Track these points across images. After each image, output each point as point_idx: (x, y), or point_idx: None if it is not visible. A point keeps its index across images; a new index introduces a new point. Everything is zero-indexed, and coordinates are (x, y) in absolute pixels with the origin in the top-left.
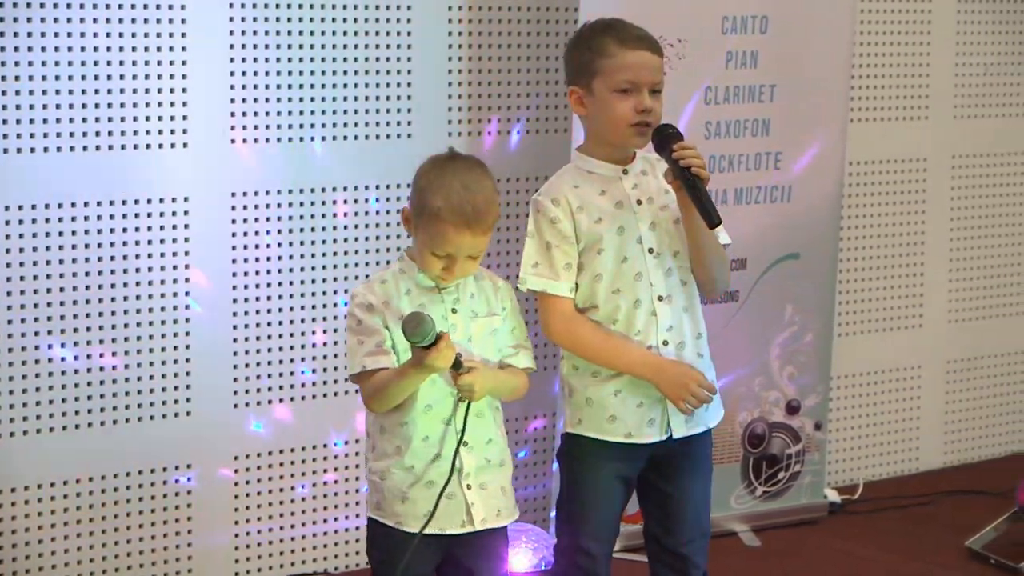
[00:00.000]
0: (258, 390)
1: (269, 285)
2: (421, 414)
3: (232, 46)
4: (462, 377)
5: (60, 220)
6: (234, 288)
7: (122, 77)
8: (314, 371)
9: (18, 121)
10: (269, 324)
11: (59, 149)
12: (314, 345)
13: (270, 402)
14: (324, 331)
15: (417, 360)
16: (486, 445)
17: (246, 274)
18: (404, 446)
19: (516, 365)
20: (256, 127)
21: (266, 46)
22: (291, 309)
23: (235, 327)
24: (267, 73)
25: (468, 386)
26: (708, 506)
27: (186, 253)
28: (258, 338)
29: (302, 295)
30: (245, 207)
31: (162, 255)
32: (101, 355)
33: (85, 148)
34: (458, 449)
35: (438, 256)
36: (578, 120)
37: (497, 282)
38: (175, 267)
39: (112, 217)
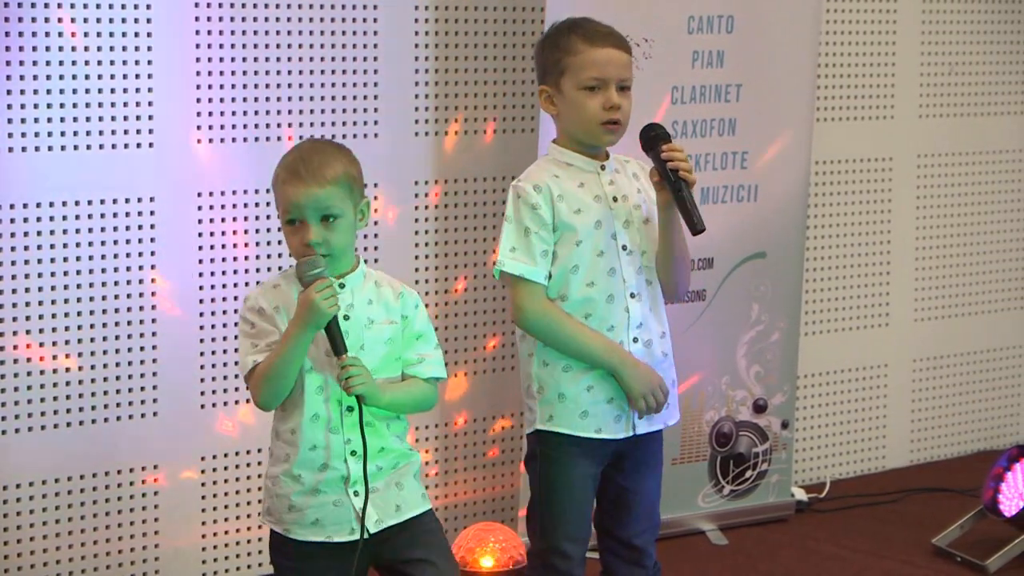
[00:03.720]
0: (225, 390)
1: (236, 285)
2: (308, 423)
3: (197, 46)
4: (345, 359)
5: (25, 220)
6: (200, 288)
7: (87, 77)
8: None
9: None
10: (236, 324)
11: (23, 149)
12: None
13: (237, 402)
14: None
15: (302, 302)
16: (377, 454)
17: (212, 274)
18: (292, 454)
19: (419, 376)
20: (222, 127)
21: (231, 45)
22: None
23: (202, 327)
24: (232, 73)
25: (354, 375)
26: (659, 500)
27: (152, 253)
28: (225, 338)
29: None
30: (211, 207)
31: (128, 255)
32: (67, 355)
33: (50, 148)
34: (365, 459)
35: (292, 226)
36: (545, 119)
37: (400, 289)
38: (141, 267)
39: (78, 217)
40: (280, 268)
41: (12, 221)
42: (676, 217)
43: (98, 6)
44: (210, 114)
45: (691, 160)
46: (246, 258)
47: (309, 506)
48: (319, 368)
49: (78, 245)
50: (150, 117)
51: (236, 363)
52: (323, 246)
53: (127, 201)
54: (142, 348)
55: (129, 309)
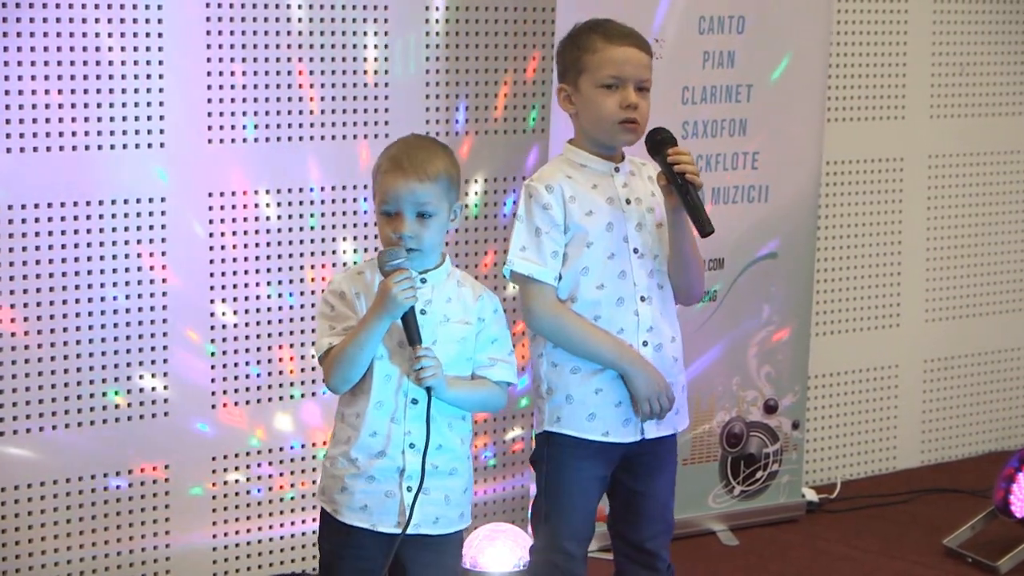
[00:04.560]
0: (236, 391)
1: (247, 286)
2: (373, 409)
3: (208, 46)
4: (419, 349)
5: (36, 220)
6: (211, 288)
7: (98, 77)
8: (292, 372)
9: None
10: (247, 325)
11: (35, 149)
12: (292, 346)
13: (248, 403)
14: (303, 331)
15: (380, 291)
16: (435, 451)
17: (223, 275)
18: (353, 437)
19: (489, 378)
20: (233, 127)
21: (243, 46)
22: (268, 310)
23: (212, 327)
24: (243, 73)
25: (427, 366)
26: (672, 502)
27: (163, 254)
28: (235, 339)
29: (279, 295)
30: (222, 207)
31: (139, 255)
32: (78, 355)
33: (61, 148)
34: (426, 452)
35: (387, 216)
36: (556, 120)
37: (480, 292)
38: (152, 267)
39: (88, 218)
40: (291, 268)
41: (23, 221)
42: (684, 220)
43: (109, 6)
44: (221, 114)
45: (702, 161)
46: (256, 258)
47: (361, 491)
48: (390, 358)
49: (88, 245)
50: (161, 117)
51: (247, 363)
52: (414, 240)
53: (138, 201)
54: (153, 348)
55: (140, 309)
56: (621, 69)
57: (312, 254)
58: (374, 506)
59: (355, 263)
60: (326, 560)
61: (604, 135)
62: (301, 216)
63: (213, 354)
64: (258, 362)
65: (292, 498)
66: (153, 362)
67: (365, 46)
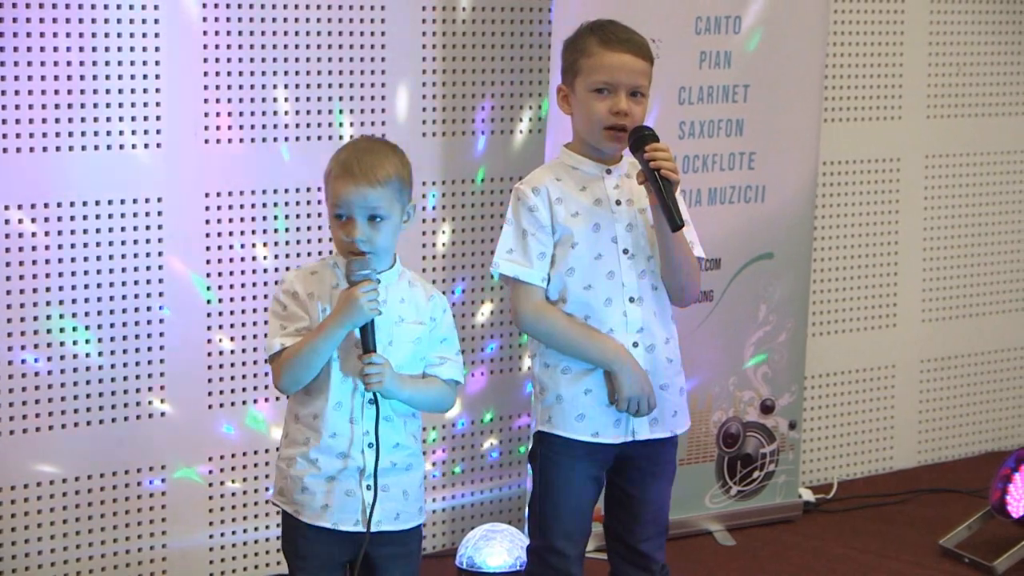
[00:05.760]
0: (232, 391)
1: (243, 286)
2: (332, 410)
3: (205, 46)
4: (369, 356)
5: (33, 220)
6: (208, 289)
7: (95, 77)
8: None
9: None
10: (243, 325)
11: (31, 150)
12: None
13: (244, 403)
14: None
15: (344, 298)
16: (392, 448)
17: (220, 275)
18: (313, 439)
19: (439, 376)
20: (230, 127)
21: (239, 46)
22: (265, 310)
23: (209, 328)
24: (240, 73)
25: (373, 373)
26: (668, 505)
27: (160, 254)
28: (232, 339)
29: None
30: (219, 207)
31: (135, 255)
32: (75, 356)
33: (59, 148)
34: (378, 453)
35: (338, 219)
36: (553, 122)
37: (431, 292)
38: (149, 268)
39: (86, 218)
40: (287, 268)
41: (20, 221)
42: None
43: (106, 7)
44: (218, 114)
45: (698, 161)
46: (253, 258)
47: (321, 491)
48: (347, 358)
49: (85, 245)
50: (158, 118)
51: (243, 363)
52: (367, 244)
53: (135, 201)
54: (149, 349)
55: (136, 309)
56: (613, 75)
57: (308, 255)
58: (335, 505)
59: None
60: (290, 560)
61: (592, 138)
62: (298, 216)
63: (211, 354)
64: (255, 362)
65: None
66: (150, 363)
67: (362, 46)
